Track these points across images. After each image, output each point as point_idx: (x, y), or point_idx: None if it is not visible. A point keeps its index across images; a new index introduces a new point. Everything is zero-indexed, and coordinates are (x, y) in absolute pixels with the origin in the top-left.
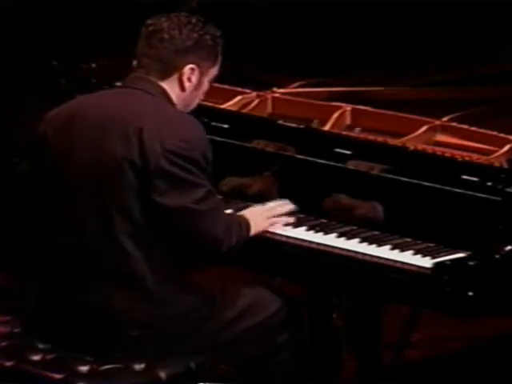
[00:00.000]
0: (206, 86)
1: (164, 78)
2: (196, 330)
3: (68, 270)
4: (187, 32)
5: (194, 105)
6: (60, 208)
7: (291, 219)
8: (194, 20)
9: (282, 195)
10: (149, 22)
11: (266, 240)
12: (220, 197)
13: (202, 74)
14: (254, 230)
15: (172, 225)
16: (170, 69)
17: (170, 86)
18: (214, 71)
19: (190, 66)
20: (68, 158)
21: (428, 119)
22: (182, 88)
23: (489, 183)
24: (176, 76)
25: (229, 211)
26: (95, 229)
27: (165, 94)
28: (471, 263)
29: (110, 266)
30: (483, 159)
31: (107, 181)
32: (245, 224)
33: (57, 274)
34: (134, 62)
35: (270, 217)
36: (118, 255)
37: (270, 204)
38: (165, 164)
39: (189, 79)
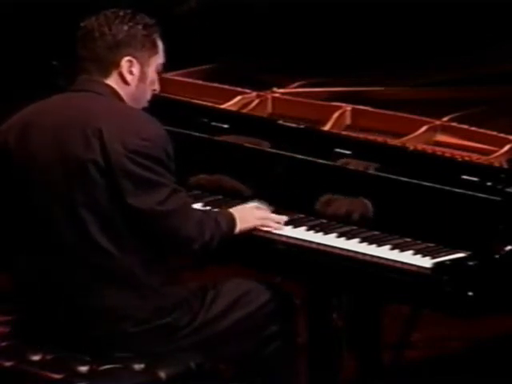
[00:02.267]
0: (152, 76)
1: (106, 76)
2: (188, 325)
3: (54, 272)
4: (116, 26)
5: (145, 99)
6: (31, 212)
7: (283, 218)
8: (121, 13)
9: (282, 195)
10: (82, 24)
11: (266, 240)
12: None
13: (142, 65)
14: (240, 226)
15: (142, 225)
16: (107, 66)
17: (114, 83)
18: (156, 60)
19: (126, 58)
20: (30, 165)
21: (428, 119)
22: (125, 82)
23: (489, 183)
24: (116, 71)
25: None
26: (71, 231)
27: (115, 93)
28: (471, 263)
29: (93, 266)
30: (483, 159)
31: (74, 182)
32: (226, 220)
33: (42, 276)
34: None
35: (262, 216)
36: (97, 255)
37: (256, 204)
38: (128, 164)
39: (130, 72)
